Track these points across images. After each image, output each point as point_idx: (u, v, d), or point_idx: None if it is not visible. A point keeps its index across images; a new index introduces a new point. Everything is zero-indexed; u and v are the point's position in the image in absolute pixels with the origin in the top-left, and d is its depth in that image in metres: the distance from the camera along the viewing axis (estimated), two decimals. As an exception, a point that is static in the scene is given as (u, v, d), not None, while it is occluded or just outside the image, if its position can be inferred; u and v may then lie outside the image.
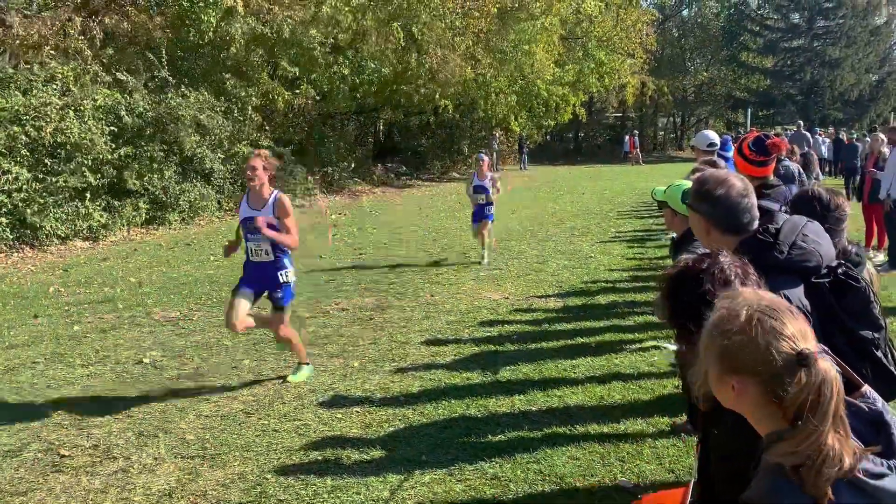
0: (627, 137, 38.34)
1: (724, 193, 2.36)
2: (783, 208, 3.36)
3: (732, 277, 1.83)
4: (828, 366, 1.35)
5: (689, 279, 1.86)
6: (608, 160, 38.42)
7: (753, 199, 2.40)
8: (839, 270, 2.35)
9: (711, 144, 6.90)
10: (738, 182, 2.41)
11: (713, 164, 4.16)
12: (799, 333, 1.37)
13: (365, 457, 4.22)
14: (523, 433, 4.48)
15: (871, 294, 2.33)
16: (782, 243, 2.31)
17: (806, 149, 14.18)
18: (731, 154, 6.32)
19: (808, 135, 19.73)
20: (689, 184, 3.32)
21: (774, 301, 1.43)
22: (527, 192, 21.90)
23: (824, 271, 2.35)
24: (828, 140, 23.08)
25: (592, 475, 3.93)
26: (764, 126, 37.89)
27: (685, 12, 49.39)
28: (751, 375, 1.38)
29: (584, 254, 10.70)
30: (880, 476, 1.33)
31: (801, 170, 7.41)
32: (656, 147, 48.23)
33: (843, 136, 21.31)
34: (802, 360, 1.33)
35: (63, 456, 4.31)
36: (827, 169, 22.48)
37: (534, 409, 4.87)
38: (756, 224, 2.40)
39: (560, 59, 27.32)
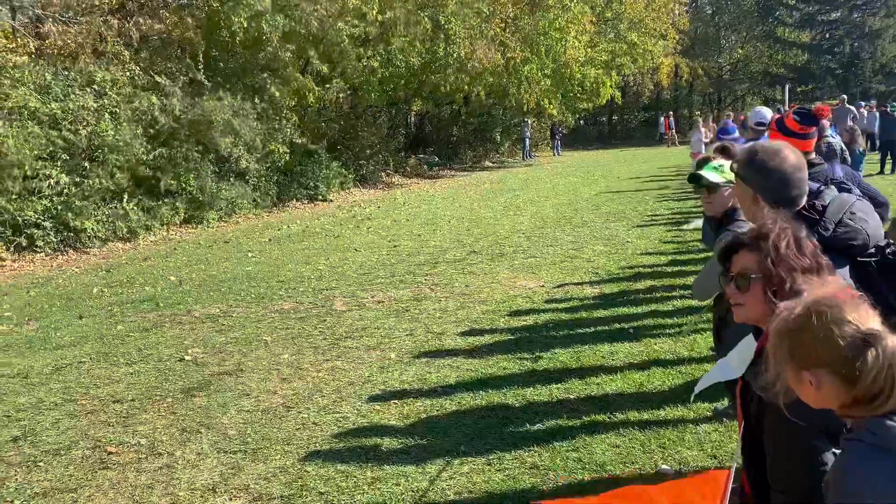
0: (662, 118, 37.81)
1: (776, 165, 2.30)
2: (822, 187, 3.28)
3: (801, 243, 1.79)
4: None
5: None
6: (644, 142, 37.94)
7: (805, 174, 2.34)
8: (888, 250, 2.29)
9: (760, 123, 6.62)
10: (792, 155, 2.35)
11: (726, 151, 4.05)
12: (861, 317, 1.37)
13: (403, 448, 4.23)
14: (562, 421, 4.45)
15: None
16: (828, 220, 2.27)
17: (850, 123, 13.81)
18: (736, 134, 6.15)
19: (853, 108, 19.19)
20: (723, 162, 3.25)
21: (832, 291, 1.44)
22: (561, 178, 21.74)
23: (872, 250, 2.29)
24: (876, 113, 22.40)
25: (633, 462, 3.89)
26: (803, 102, 36.98)
27: (718, -11, 48.41)
28: (822, 367, 1.38)
29: (621, 239, 10.59)
30: None
31: (844, 146, 7.21)
32: (692, 127, 47.43)
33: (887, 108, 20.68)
34: (869, 339, 1.34)
35: (110, 453, 4.40)
36: (871, 144, 21.86)
37: (572, 397, 4.84)
38: (804, 199, 2.34)
39: (592, 40, 27.01)
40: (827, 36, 42.39)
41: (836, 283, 1.51)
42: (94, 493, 3.93)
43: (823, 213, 2.28)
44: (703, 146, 16.59)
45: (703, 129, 17.49)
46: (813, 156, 3.72)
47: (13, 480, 4.11)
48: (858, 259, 2.25)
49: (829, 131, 7.36)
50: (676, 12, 32.58)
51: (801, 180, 2.32)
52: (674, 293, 7.25)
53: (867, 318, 1.38)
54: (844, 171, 3.66)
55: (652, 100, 45.52)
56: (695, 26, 43.77)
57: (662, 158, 27.07)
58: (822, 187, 2.55)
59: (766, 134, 6.28)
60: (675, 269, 8.44)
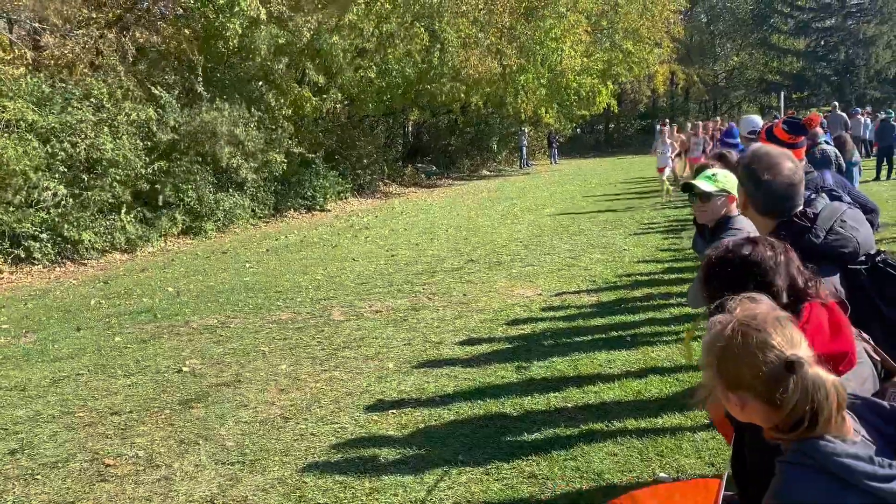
0: (659, 126, 37.89)
1: (769, 178, 2.35)
2: (813, 195, 3.30)
3: (774, 267, 1.80)
4: (819, 371, 1.34)
5: (729, 265, 1.83)
6: (641, 150, 37.99)
7: (800, 187, 2.37)
8: (878, 258, 2.31)
9: (752, 132, 6.67)
10: (788, 168, 2.38)
11: (723, 158, 4.08)
12: (786, 341, 1.37)
13: (402, 458, 4.24)
14: (559, 430, 4.46)
15: None
16: (819, 227, 2.29)
17: (841, 131, 13.88)
18: (737, 140, 6.20)
19: (845, 116, 19.27)
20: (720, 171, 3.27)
21: (761, 312, 1.43)
22: (558, 186, 21.78)
23: (862, 258, 2.31)
24: (869, 120, 22.49)
25: (631, 471, 3.89)
26: (799, 109, 37.12)
27: (712, -3, 48.70)
28: (747, 390, 1.39)
29: (618, 247, 10.61)
30: (889, 479, 1.30)
31: (838, 153, 7.23)
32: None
33: (881, 115, 20.79)
34: (789, 367, 1.33)
35: (108, 465, 4.40)
36: (865, 150, 21.94)
37: (570, 405, 4.84)
38: (798, 208, 2.37)
39: (587, 50, 27.13)
40: (822, 43, 42.62)
41: (766, 303, 1.50)
42: (91, 505, 3.93)
43: (815, 221, 2.31)
44: (670, 160, 16.24)
45: (668, 141, 16.44)
46: (803, 164, 3.75)
47: (11, 494, 4.10)
48: (849, 267, 2.27)
49: (823, 139, 7.39)
50: (671, 21, 32.69)
51: (795, 193, 2.35)
52: (671, 301, 7.27)
53: (793, 341, 1.38)
54: (835, 178, 3.69)
55: (648, 107, 45.70)
56: (690, 34, 43.98)
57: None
58: (814, 195, 2.58)
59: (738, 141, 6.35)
60: (672, 276, 8.47)
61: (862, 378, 1.76)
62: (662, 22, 31.25)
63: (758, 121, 6.70)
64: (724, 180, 3.28)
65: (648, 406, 4.73)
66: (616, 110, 34.17)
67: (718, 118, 25.71)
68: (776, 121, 3.88)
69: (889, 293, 2.26)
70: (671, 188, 15.90)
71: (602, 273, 8.86)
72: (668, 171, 16.24)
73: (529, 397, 5.01)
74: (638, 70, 31.47)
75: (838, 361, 1.67)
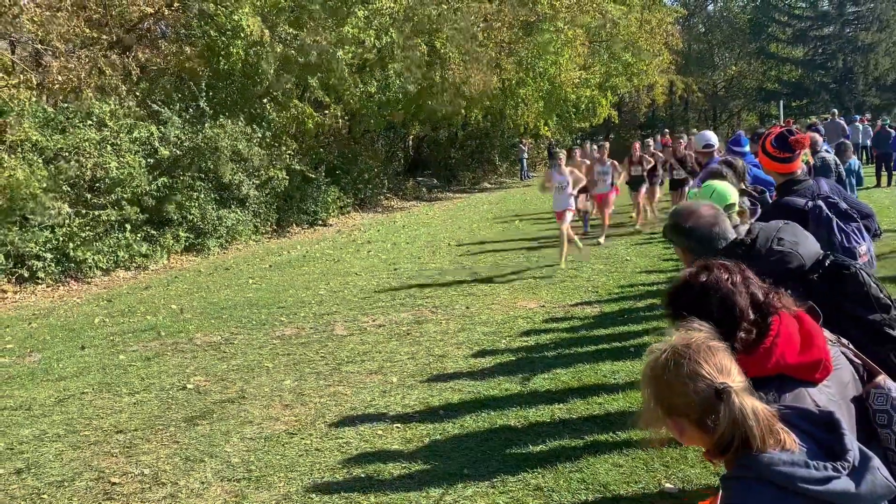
0: (659, 137, 37.97)
1: (693, 224, 2.51)
2: (809, 203, 3.32)
3: (733, 288, 1.83)
4: (745, 397, 1.40)
5: (690, 294, 1.86)
6: (640, 161, 38.04)
7: (724, 224, 2.52)
8: (826, 262, 2.35)
9: (708, 146, 6.82)
10: (707, 210, 2.55)
11: (729, 164, 4.12)
12: (716, 369, 1.43)
13: (407, 472, 4.23)
14: (564, 442, 4.46)
15: (866, 276, 2.30)
16: (758, 251, 2.34)
17: (841, 138, 13.91)
18: (746, 149, 6.24)
19: (843, 123, 19.32)
20: (715, 184, 3.29)
21: (694, 340, 1.48)
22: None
23: (813, 265, 2.35)
24: (869, 127, 22.52)
25: (637, 482, 3.89)
26: (798, 117, 37.19)
27: (710, 7, 48.90)
28: (682, 416, 1.45)
29: (620, 257, 10.62)
30: (826, 480, 1.35)
31: (838, 161, 7.26)
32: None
33: (878, 123, 20.84)
34: (719, 395, 1.39)
35: (114, 483, 4.41)
36: (865, 157, 21.98)
37: (574, 417, 4.84)
38: (729, 240, 2.49)
39: (585, 63, 27.26)
40: (820, 51, 42.76)
41: (704, 331, 1.54)
42: (98, 524, 3.93)
43: (753, 246, 2.38)
44: (571, 200, 10.43)
45: (566, 171, 10.49)
46: (799, 173, 3.77)
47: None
48: (804, 279, 2.31)
49: (823, 147, 7.42)
50: (669, 31, 32.83)
51: (722, 231, 2.50)
52: (674, 311, 7.26)
53: (723, 369, 1.43)
54: (830, 185, 3.72)
55: (648, 118, 45.80)
56: (688, 44, 44.13)
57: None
58: (803, 203, 2.61)
59: (716, 156, 6.42)
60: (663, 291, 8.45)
61: (843, 383, 1.77)
62: (661, 33, 31.38)
63: (711, 136, 6.88)
64: (700, 195, 3.31)
65: (653, 416, 4.72)
66: (617, 121, 34.26)
67: (667, 132, 23.83)
68: (769, 131, 3.91)
69: (852, 291, 2.29)
70: (581, 245, 10.95)
71: (605, 284, 8.87)
72: (569, 218, 10.35)
73: (534, 409, 5.01)
74: (637, 81, 31.58)
75: (814, 369, 1.69)
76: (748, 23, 45.52)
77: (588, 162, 13.07)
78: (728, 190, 3.25)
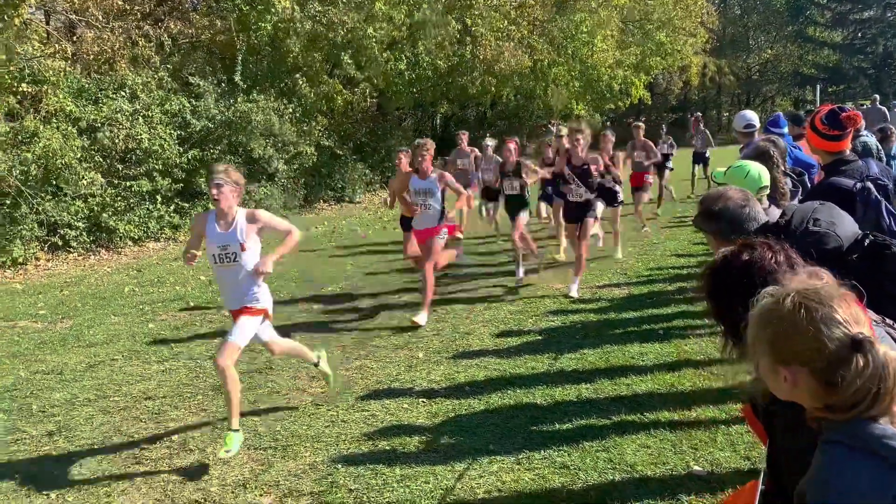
0: (691, 119, 37.45)
1: (722, 207, 2.44)
2: (857, 184, 3.22)
3: (777, 267, 1.77)
4: (887, 349, 1.28)
5: (732, 273, 1.80)
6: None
7: (755, 206, 2.46)
8: (865, 242, 2.28)
9: (749, 126, 6.53)
10: (735, 193, 2.50)
11: (773, 143, 4.01)
12: (852, 318, 1.30)
13: (432, 446, 4.23)
14: (591, 421, 4.42)
15: None
16: (793, 232, 2.28)
17: (883, 123, 13.57)
18: (785, 130, 6.06)
19: (885, 109, 18.87)
20: (750, 164, 3.20)
21: (824, 286, 1.36)
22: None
23: (851, 246, 2.28)
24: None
25: (664, 463, 3.85)
26: (835, 102, 36.40)
27: (748, -12, 47.89)
28: (803, 364, 1.32)
29: (649, 240, 10.50)
30: None
31: (879, 145, 7.08)
32: (721, 129, 46.97)
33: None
34: (857, 345, 1.27)
35: (143, 448, 4.46)
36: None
37: (601, 397, 4.80)
38: (760, 222, 2.43)
39: (619, 42, 26.84)
40: (860, 35, 41.72)
41: (828, 277, 1.44)
42: (127, 487, 3.99)
43: (788, 227, 2.31)
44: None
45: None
46: (848, 153, 3.66)
47: (49, 475, 4.17)
48: (842, 260, 2.24)
49: (863, 131, 7.23)
50: (705, 11, 32.18)
51: (753, 213, 2.44)
52: (704, 294, 7.16)
53: (858, 319, 1.32)
54: (879, 167, 3.60)
55: (680, 100, 45.12)
56: (723, 26, 43.28)
57: (689, 158, 26.73)
58: (852, 184, 2.53)
59: (757, 137, 6.21)
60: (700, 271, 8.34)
61: None
62: (697, 11, 30.78)
63: (752, 116, 6.54)
64: (729, 174, 3.22)
65: (682, 399, 4.67)
66: (650, 102, 33.76)
67: (699, 114, 19.36)
68: (821, 107, 3.78)
69: (888, 268, 2.22)
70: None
71: (633, 266, 8.77)
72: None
73: (560, 388, 4.98)
74: (672, 61, 31.03)
75: None
76: (786, 5, 44.49)
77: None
78: (762, 172, 3.17)
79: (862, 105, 20.01)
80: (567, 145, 8.34)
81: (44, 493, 3.97)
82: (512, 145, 8.55)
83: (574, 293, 7.46)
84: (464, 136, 12.77)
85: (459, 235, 8.84)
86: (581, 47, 24.05)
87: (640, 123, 12.26)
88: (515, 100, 25.08)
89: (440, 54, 19.31)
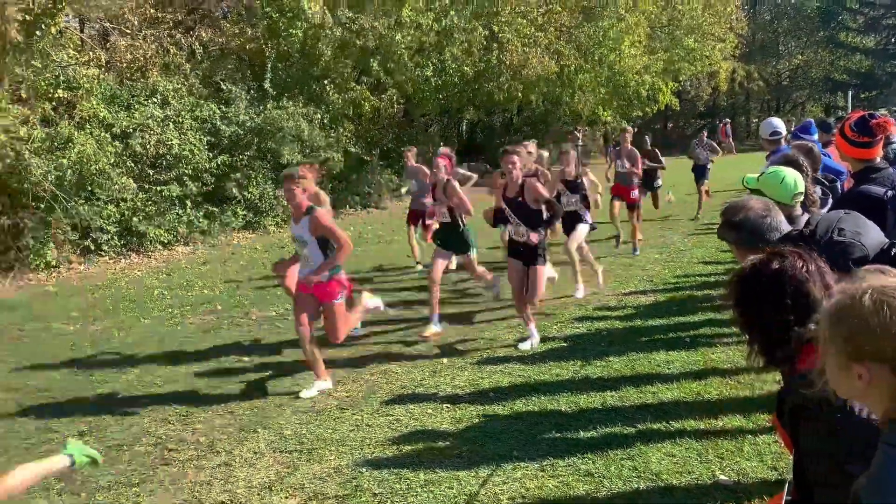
0: (720, 125, 37.09)
1: (743, 217, 2.46)
2: (889, 192, 3.18)
3: (808, 276, 1.76)
4: None
5: (762, 281, 1.79)
6: (699, 151, 37.23)
7: (776, 216, 2.47)
8: (892, 252, 2.25)
9: (774, 133, 6.44)
10: (757, 203, 2.52)
11: (807, 151, 3.97)
12: None
13: (456, 452, 4.24)
14: (616, 429, 4.41)
15: None
16: (817, 242, 2.26)
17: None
18: (815, 137, 5.99)
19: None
20: (785, 170, 3.18)
21: None
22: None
23: (877, 255, 2.26)
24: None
25: (690, 472, 3.82)
26: (867, 109, 35.83)
27: (778, -6, 47.35)
28: (881, 361, 1.31)
29: (676, 247, 10.42)
30: None
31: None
32: (749, 135, 46.42)
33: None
34: None
35: (170, 450, 4.53)
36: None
37: (626, 405, 4.78)
38: (783, 231, 2.45)
39: (646, 48, 26.69)
40: (893, 40, 41.06)
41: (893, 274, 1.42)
42: (155, 488, 4.05)
43: (813, 237, 2.29)
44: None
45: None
46: (878, 161, 3.60)
47: (80, 473, 4.25)
48: None
49: (895, 138, 7.11)
50: (734, 16, 31.89)
51: (775, 223, 2.45)
52: (731, 302, 7.09)
53: None
54: None
55: (708, 106, 44.71)
56: (752, 31, 42.83)
57: (720, 166, 26.47)
58: (883, 192, 2.51)
59: (784, 144, 6.14)
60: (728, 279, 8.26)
61: None
62: (726, 17, 30.52)
63: (778, 124, 6.44)
64: (763, 180, 3.20)
65: (708, 407, 4.63)
66: (677, 107, 33.52)
67: (728, 121, 19.15)
68: (850, 116, 3.74)
69: None
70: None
71: (660, 273, 8.72)
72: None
73: (585, 395, 4.97)
74: (700, 66, 30.78)
75: None
76: (817, 10, 43.92)
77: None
78: (798, 178, 3.14)
79: (894, 112, 19.64)
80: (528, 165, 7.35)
81: (74, 493, 4.05)
82: (442, 162, 6.82)
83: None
84: (410, 154, 10.56)
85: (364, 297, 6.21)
86: (608, 53, 23.98)
87: (629, 128, 11.25)
88: (542, 105, 25.05)
89: (467, 60, 19.36)
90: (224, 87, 14.64)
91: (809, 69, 45.09)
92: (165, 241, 12.67)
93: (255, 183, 14.39)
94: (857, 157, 3.60)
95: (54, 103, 11.74)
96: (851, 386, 1.37)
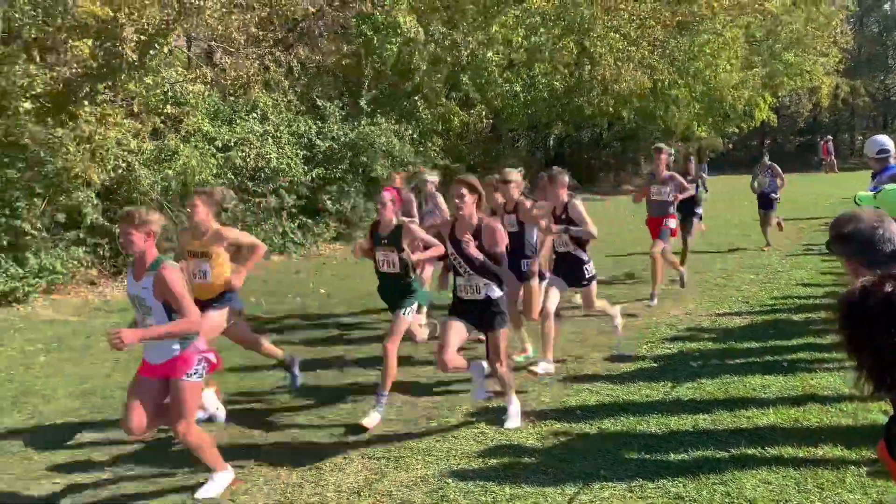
0: (821, 143, 35.49)
1: (853, 229, 2.37)
2: None
3: None
4: None
5: (873, 305, 1.73)
6: (800, 168, 35.74)
7: (890, 227, 2.35)
8: None
9: (882, 151, 6.08)
10: (869, 213, 2.42)
11: None
12: None
13: (542, 468, 4.23)
14: (708, 453, 4.29)
15: None
16: None
17: None
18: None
19: None
20: None
21: None
22: (707, 204, 20.88)
23: None
24: None
25: (787, 501, 3.68)
26: None
27: (887, 6, 45.06)
28: None
29: (773, 268, 10.06)
30: None
31: None
32: (853, 153, 44.22)
33: None
34: None
35: (266, 451, 4.70)
36: None
37: (719, 428, 4.64)
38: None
39: (744, 62, 25.90)
40: None
41: None
42: (249, 487, 4.20)
43: None
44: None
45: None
46: None
47: (174, 474, 4.46)
48: None
49: None
50: (839, 30, 30.58)
51: (888, 235, 2.33)
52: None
53: None
54: None
55: (809, 122, 42.94)
56: (858, 45, 40.90)
57: (820, 185, 25.37)
58: None
59: (892, 162, 5.80)
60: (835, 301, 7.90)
61: None
62: (829, 31, 29.30)
63: (886, 141, 6.05)
64: (881, 198, 3.06)
65: (807, 434, 4.45)
66: (775, 123, 32.34)
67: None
68: None
69: None
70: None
71: (756, 294, 8.43)
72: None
73: (676, 417, 4.86)
74: (801, 81, 29.64)
75: None
76: (931, 21, 41.59)
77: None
78: None
79: None
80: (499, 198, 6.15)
81: (168, 489, 4.25)
82: (388, 196, 5.22)
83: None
84: (398, 176, 8.89)
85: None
86: (703, 68, 23.43)
87: (663, 146, 8.55)
88: (633, 120, 24.70)
89: (556, 76, 19.31)
90: (320, 104, 15.12)
91: (922, 83, 42.72)
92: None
93: (347, 196, 14.78)
94: None
95: (163, 118, 12.41)
96: None
